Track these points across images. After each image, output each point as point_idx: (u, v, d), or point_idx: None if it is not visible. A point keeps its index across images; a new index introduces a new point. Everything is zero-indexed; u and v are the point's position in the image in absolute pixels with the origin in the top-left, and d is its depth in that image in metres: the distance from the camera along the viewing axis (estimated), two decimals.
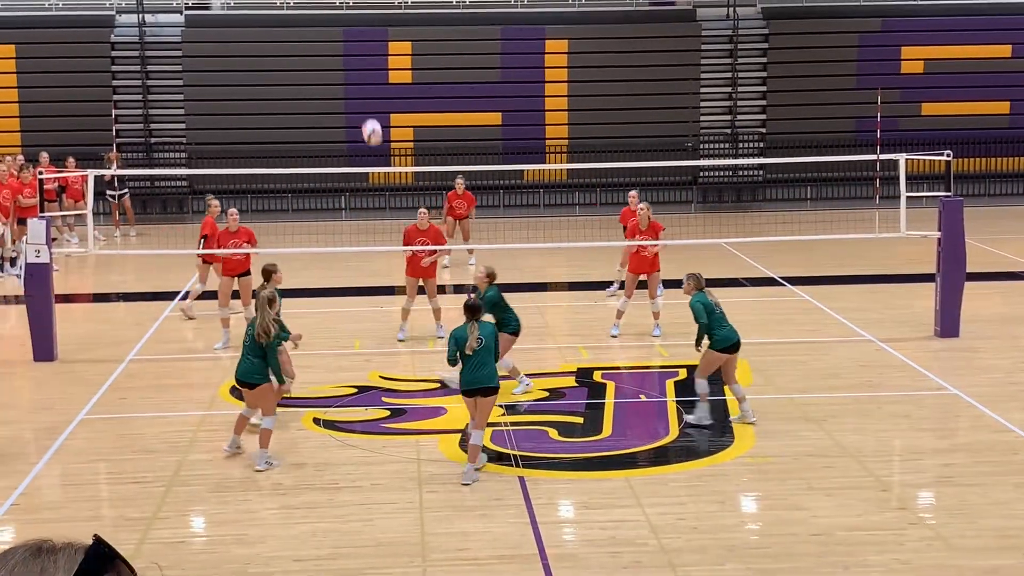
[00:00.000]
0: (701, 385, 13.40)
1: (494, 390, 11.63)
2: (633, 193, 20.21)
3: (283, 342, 12.47)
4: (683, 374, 15.45)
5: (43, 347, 16.30)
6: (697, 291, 13.42)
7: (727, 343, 13.27)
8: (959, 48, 31.01)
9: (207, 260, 18.14)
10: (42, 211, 17.39)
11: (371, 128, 16.41)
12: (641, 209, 17.60)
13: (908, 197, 17.77)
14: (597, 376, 15.37)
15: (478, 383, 11.53)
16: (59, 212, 24.17)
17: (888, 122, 28.23)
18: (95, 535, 1.98)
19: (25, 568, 1.89)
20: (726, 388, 13.65)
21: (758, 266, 22.35)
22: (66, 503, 11.40)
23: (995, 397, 14.14)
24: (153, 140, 30.32)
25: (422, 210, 17.53)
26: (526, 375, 14.80)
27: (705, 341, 13.37)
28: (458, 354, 11.55)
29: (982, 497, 11.09)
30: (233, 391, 14.61)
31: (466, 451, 12.33)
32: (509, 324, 14.26)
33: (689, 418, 13.48)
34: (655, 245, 17.32)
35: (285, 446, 12.80)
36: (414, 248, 17.05)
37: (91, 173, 18.12)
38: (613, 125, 30.17)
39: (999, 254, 23.58)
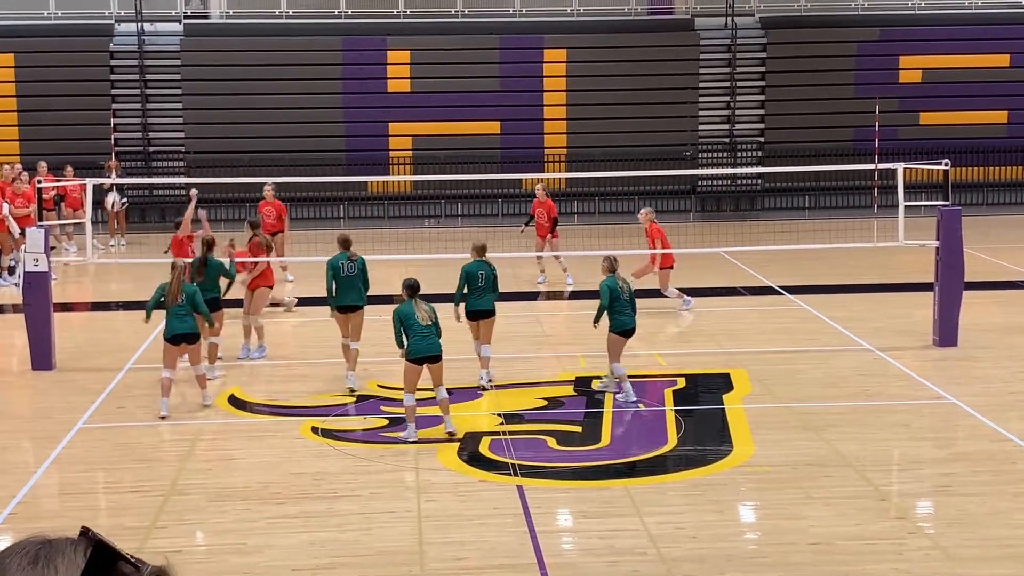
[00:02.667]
0: (616, 369, 14.35)
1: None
2: (540, 186, 22.12)
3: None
4: (682, 383, 15.44)
5: (41, 356, 16.28)
6: (609, 274, 14.36)
7: (622, 328, 14.26)
8: (957, 57, 31.06)
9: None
10: (40, 220, 17.39)
11: None
12: (643, 214, 19.82)
13: (906, 206, 17.79)
14: (595, 385, 15.35)
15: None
16: (57, 221, 24.17)
17: (886, 131, 28.28)
18: (89, 532, 1.90)
19: None
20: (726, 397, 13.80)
21: (757, 275, 22.35)
22: (64, 511, 11.39)
23: (993, 406, 14.14)
24: (152, 149, 30.33)
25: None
26: (526, 382, 14.81)
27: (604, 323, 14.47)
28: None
29: (981, 506, 11.08)
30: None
31: (466, 461, 12.43)
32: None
33: (619, 397, 14.38)
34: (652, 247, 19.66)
35: (283, 455, 12.80)
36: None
37: (89, 182, 18.12)
38: (611, 134, 30.20)
39: (997, 263, 23.59)
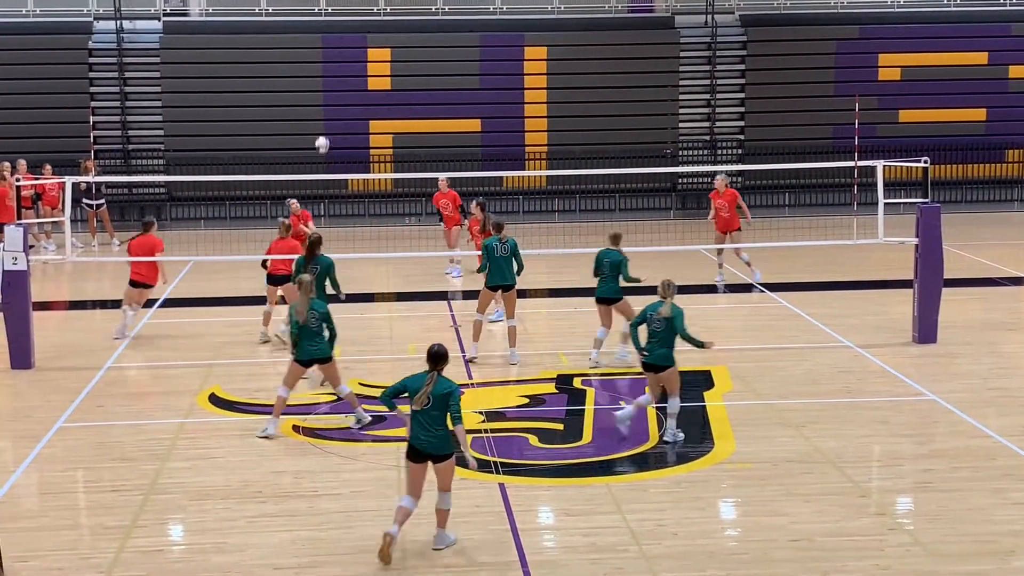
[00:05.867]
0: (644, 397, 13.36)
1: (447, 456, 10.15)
2: (443, 179, 23.08)
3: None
4: None
5: (20, 355, 16.22)
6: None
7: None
8: (936, 55, 31.18)
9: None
10: (19, 218, 17.31)
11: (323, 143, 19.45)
12: (719, 179, 21.35)
13: (886, 203, 17.85)
14: (577, 383, 15.38)
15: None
16: (36, 219, 24.06)
17: (866, 129, 28.34)
18: None
19: None
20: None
21: (737, 272, 22.38)
22: (44, 511, 11.35)
23: (972, 403, 14.21)
24: (131, 147, 30.22)
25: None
26: (508, 380, 14.79)
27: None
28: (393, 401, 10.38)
29: (961, 503, 11.14)
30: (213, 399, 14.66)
31: None
32: None
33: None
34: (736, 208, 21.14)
35: (264, 453, 12.77)
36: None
37: (68, 180, 18.02)
38: (592, 132, 30.23)
39: (976, 260, 23.70)
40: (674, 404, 13.00)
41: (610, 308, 15.97)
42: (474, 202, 20.74)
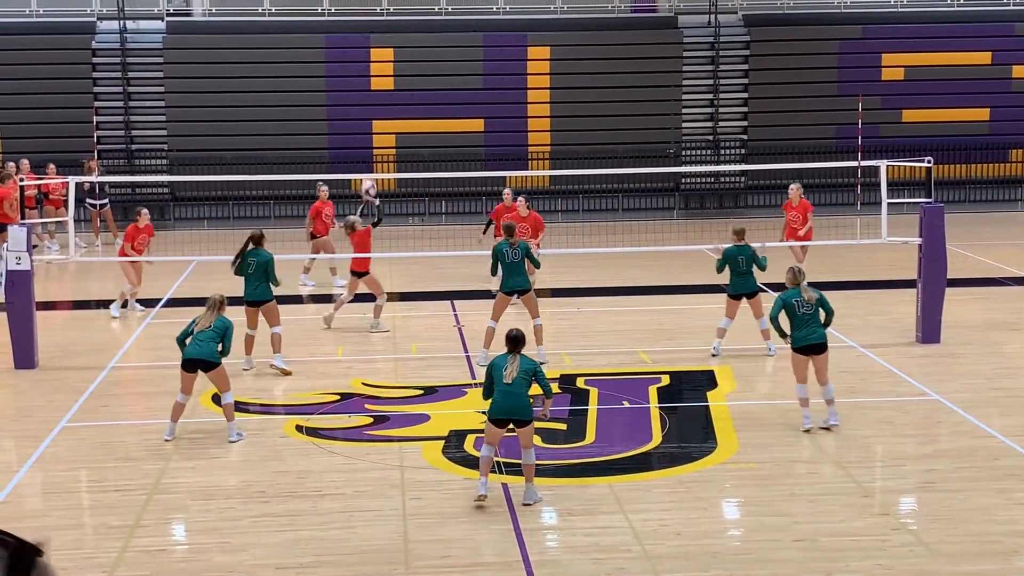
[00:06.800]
0: (798, 389, 13.39)
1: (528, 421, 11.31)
2: (507, 191, 21.56)
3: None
4: (666, 380, 15.47)
5: (24, 354, 16.23)
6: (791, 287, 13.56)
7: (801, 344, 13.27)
8: (939, 55, 31.18)
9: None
10: (23, 218, 17.34)
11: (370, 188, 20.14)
12: (793, 189, 20.39)
13: (889, 203, 17.84)
14: (580, 382, 15.38)
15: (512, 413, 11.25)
16: (39, 219, 24.08)
17: (869, 128, 28.35)
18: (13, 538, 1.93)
19: None
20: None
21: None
22: (48, 511, 11.35)
23: (976, 403, 14.21)
24: (134, 147, 30.25)
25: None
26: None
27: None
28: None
29: (964, 503, 11.13)
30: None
31: (451, 459, 12.41)
32: None
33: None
34: (805, 222, 20.31)
35: (267, 453, 12.78)
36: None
37: (72, 180, 18.04)
38: (595, 132, 30.23)
39: (979, 260, 23.69)
40: (830, 390, 13.26)
41: (738, 303, 16.43)
42: (520, 198, 20.68)
